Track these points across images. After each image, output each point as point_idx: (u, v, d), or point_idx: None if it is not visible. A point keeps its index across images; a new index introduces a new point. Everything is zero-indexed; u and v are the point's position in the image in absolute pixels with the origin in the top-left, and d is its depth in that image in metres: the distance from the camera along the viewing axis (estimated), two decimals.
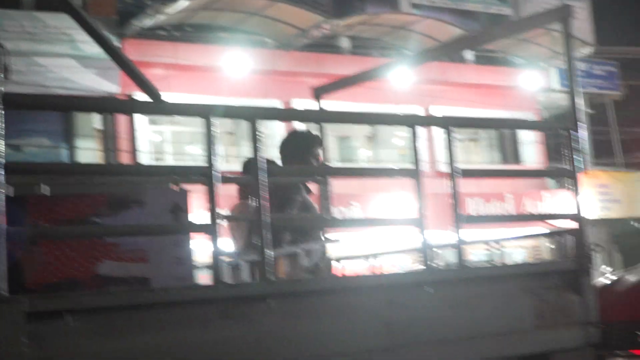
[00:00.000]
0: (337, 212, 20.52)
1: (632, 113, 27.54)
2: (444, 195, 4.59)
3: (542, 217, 5.73)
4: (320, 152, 5.89)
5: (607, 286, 7.67)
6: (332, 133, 22.83)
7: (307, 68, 21.70)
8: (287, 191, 5.73)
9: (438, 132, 4.37)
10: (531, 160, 25.83)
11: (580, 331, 4.97)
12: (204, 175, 3.92)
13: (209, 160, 3.88)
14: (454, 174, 4.52)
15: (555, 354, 4.86)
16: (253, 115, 4.09)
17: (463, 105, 23.43)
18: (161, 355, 3.72)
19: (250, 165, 6.53)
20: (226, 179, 4.83)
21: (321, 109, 6.24)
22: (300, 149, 5.85)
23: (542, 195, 24.18)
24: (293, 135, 6.12)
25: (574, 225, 5.15)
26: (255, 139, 4.03)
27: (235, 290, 4.13)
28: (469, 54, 25.51)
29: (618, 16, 29.71)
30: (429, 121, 5.92)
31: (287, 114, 8.17)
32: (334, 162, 22.62)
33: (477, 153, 26.54)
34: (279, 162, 5.79)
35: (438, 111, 23.15)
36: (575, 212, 5.09)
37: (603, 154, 27.94)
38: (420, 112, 23.11)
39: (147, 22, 20.20)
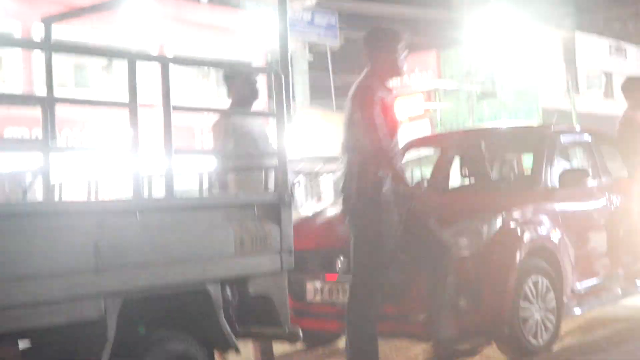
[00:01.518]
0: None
1: (347, 62, 28.38)
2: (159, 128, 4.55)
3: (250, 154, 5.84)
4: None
5: (309, 218, 7.92)
6: (69, 61, 22.09)
7: None
8: None
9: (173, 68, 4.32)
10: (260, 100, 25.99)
11: (277, 257, 5.12)
12: None
13: None
14: (167, 107, 4.49)
15: (252, 278, 5.00)
16: None
17: (197, 44, 23.30)
18: None
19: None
20: None
21: (47, 39, 5.99)
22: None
23: None
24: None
25: (276, 161, 5.28)
26: None
27: None
28: None
29: None
30: (148, 57, 5.83)
31: (9, 42, 7.73)
32: (69, 89, 21.99)
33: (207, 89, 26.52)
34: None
35: (173, 48, 22.91)
36: (278, 149, 5.22)
37: (321, 97, 28.73)
38: (156, 47, 22.83)
39: None
